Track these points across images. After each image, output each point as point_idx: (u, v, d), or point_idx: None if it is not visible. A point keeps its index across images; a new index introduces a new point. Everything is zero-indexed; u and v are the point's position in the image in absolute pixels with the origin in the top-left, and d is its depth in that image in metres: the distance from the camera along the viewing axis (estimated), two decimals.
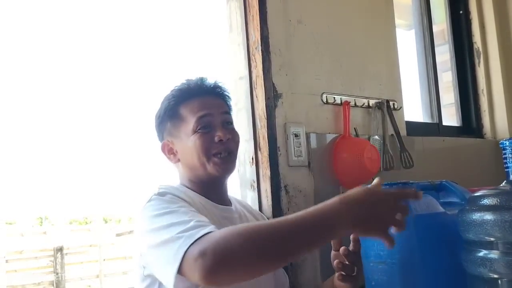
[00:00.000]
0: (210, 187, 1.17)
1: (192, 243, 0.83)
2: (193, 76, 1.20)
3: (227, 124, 1.17)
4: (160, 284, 1.01)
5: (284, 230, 0.81)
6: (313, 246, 0.86)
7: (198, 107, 1.14)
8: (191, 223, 0.88)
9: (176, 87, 1.19)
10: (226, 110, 1.19)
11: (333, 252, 1.11)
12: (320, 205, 0.83)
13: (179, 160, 1.18)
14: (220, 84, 1.21)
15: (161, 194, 1.03)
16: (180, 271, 0.84)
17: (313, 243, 0.84)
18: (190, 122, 1.13)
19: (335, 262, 1.07)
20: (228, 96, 1.23)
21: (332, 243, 1.10)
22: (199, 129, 1.12)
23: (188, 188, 1.17)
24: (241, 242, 0.80)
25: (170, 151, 1.19)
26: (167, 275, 0.86)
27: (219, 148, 1.12)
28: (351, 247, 1.05)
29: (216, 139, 1.12)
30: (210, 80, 1.20)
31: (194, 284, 0.88)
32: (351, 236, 1.05)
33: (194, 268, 0.80)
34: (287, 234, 0.81)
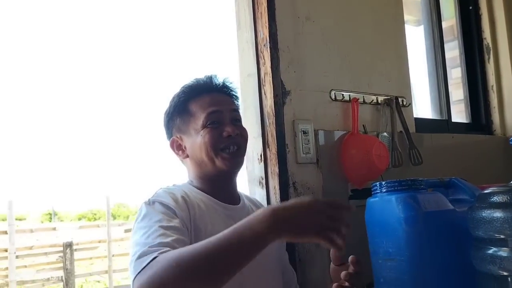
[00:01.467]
0: (218, 184, 1.17)
1: (139, 272, 0.85)
2: (202, 74, 1.22)
3: (236, 121, 1.19)
4: None
5: (211, 251, 0.80)
6: (244, 257, 0.82)
7: (208, 103, 1.16)
8: (145, 248, 0.90)
9: (186, 85, 1.21)
10: (234, 107, 1.21)
11: (332, 266, 1.10)
12: (249, 216, 0.82)
13: (187, 156, 1.18)
14: (228, 84, 1.22)
15: (150, 203, 1.05)
16: None
17: (243, 255, 0.81)
18: (200, 117, 1.14)
19: (334, 286, 1.04)
20: (236, 95, 1.25)
21: (331, 257, 1.08)
22: (208, 124, 1.14)
23: (195, 186, 1.18)
24: (172, 272, 0.80)
25: (178, 147, 1.20)
26: None
27: (227, 142, 1.14)
28: (351, 269, 1.02)
29: (225, 134, 1.13)
30: (219, 78, 1.21)
31: None
32: (350, 259, 1.03)
33: None
34: (214, 254, 0.80)
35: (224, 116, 1.16)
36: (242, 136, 1.18)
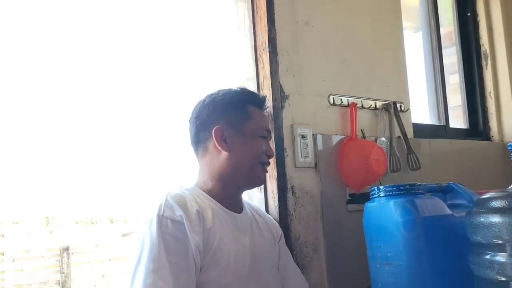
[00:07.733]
0: (228, 192, 1.20)
1: None
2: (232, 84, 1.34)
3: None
4: None
5: None
6: None
7: (265, 118, 1.27)
8: None
9: (243, 87, 1.29)
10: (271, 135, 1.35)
11: None
12: None
13: (227, 150, 1.17)
14: (270, 111, 1.39)
15: (160, 218, 1.04)
16: None
17: None
18: (259, 125, 1.22)
19: None
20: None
21: None
22: (262, 136, 1.23)
23: (204, 190, 1.19)
24: None
25: (221, 138, 1.18)
26: None
27: (265, 160, 1.23)
28: None
29: (268, 152, 1.23)
30: (268, 103, 1.35)
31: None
32: None
33: None
34: None
35: (269, 136, 1.27)
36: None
